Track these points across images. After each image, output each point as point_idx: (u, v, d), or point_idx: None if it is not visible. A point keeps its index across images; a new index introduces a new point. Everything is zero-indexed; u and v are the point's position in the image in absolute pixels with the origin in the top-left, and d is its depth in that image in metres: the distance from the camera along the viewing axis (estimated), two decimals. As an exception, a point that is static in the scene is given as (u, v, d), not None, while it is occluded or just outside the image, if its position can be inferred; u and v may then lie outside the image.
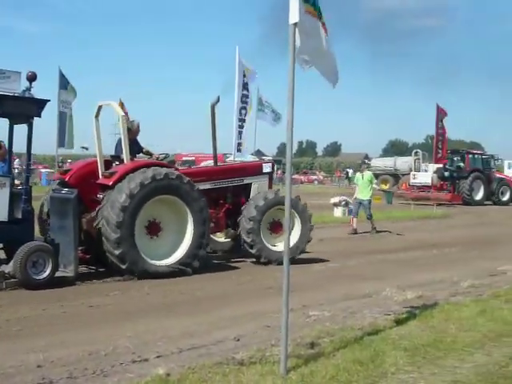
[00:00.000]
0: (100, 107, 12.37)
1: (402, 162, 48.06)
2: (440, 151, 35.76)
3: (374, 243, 18.30)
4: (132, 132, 12.67)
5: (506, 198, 39.61)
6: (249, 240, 13.06)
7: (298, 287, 10.23)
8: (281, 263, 11.98)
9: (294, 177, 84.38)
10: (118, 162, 12.33)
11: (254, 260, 13.22)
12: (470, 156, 39.75)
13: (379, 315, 8.45)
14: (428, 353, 6.73)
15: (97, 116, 12.42)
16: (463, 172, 37.07)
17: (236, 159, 20.34)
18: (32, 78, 10.60)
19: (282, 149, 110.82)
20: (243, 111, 21.05)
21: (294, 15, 5.59)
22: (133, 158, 12.26)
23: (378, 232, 20.61)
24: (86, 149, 41.07)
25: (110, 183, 11.33)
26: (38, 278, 9.87)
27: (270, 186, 14.68)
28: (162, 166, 11.97)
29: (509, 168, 49.69)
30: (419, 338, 7.22)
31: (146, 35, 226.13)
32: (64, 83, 26.15)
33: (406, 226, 22.94)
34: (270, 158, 54.25)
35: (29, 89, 10.63)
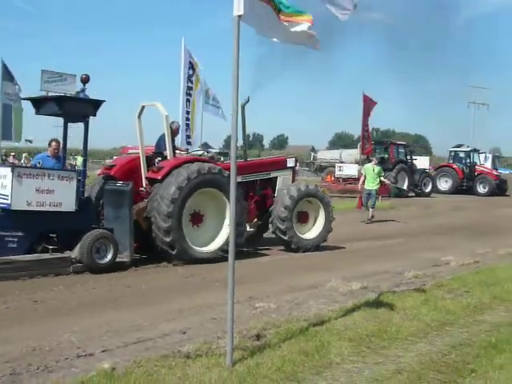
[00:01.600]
0: (143, 107, 13.29)
1: (348, 155, 48.27)
2: (367, 143, 35.14)
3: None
4: (173, 131, 13.50)
5: (428, 189, 41.12)
6: (283, 227, 14.15)
7: (245, 279, 10.29)
8: (307, 250, 13.93)
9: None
10: (160, 158, 13.24)
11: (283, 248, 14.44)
12: (394, 147, 40.31)
13: (324, 306, 8.54)
14: (372, 342, 6.82)
15: (139, 116, 13.31)
16: (388, 164, 37.37)
17: (182, 152, 20.29)
18: (85, 80, 11.60)
19: (228, 141, 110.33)
20: (188, 103, 21.02)
21: (238, 7, 5.58)
22: (174, 155, 13.25)
23: (372, 222, 21.70)
24: (30, 142, 40.46)
25: (159, 177, 12.42)
26: (101, 262, 10.99)
27: (294, 179, 16.07)
28: (203, 161, 13.14)
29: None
30: (364, 328, 7.32)
31: (86, 22, 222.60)
32: (8, 75, 25.61)
33: (349, 218, 22.88)
34: (216, 151, 54.18)
35: (83, 90, 11.63)
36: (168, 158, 13.01)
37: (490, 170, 47.13)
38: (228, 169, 12.19)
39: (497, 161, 71.36)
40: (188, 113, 21.23)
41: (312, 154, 52.52)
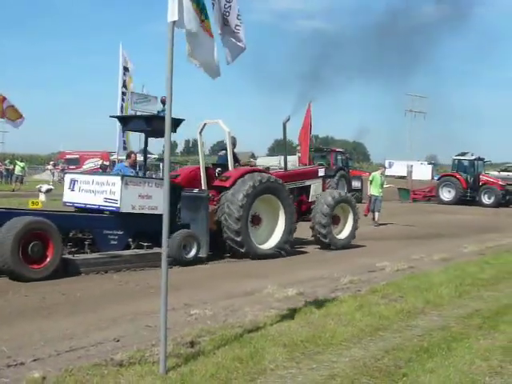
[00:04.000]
0: (205, 124, 15.48)
1: (292, 161, 48.55)
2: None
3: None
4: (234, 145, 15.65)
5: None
6: (324, 232, 16.49)
7: (182, 286, 10.27)
8: (343, 248, 16.67)
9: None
10: (220, 169, 15.48)
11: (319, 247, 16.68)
12: (334, 154, 39.70)
13: (260, 312, 8.52)
14: (307, 348, 6.85)
15: (200, 132, 15.50)
16: (330, 170, 37.55)
17: (120, 157, 20.40)
18: (165, 101, 11.51)
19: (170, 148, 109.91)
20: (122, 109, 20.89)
21: (172, 13, 5.54)
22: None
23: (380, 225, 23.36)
24: None
25: (228, 185, 14.41)
26: (187, 256, 13.02)
27: (324, 187, 18.48)
28: (260, 171, 15.37)
29: (390, 167, 51.02)
30: (298, 333, 7.34)
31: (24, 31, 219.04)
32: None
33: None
34: (156, 157, 53.93)
35: (163, 110, 13.26)
36: (230, 168, 15.08)
37: (496, 180, 44.45)
38: (278, 177, 15.50)
39: (433, 168, 72.95)
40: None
41: (251, 160, 52.48)
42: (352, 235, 17.31)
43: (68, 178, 13.75)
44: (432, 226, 24.93)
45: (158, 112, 13.84)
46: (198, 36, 6.08)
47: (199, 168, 15.26)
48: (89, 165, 58.79)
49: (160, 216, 11.12)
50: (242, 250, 14.14)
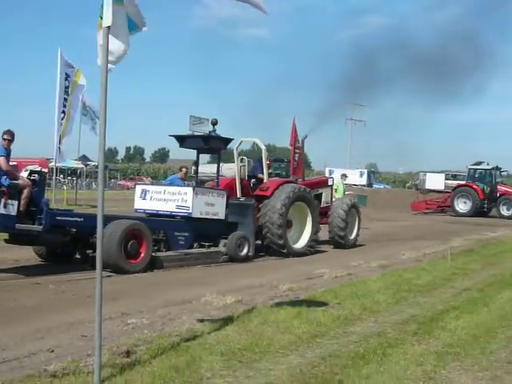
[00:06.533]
0: (241, 142, 18.64)
1: (227, 169, 48.55)
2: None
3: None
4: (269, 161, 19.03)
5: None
6: (342, 234, 19.25)
7: (119, 295, 10.14)
8: (353, 247, 19.74)
9: (120, 182, 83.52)
10: (254, 180, 18.19)
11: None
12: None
13: (197, 321, 8.48)
14: (244, 356, 6.83)
15: (237, 148, 18.28)
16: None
17: (58, 164, 20.30)
18: (215, 122, 15.94)
19: (108, 154, 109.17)
20: (62, 115, 20.56)
21: (108, 18, 5.49)
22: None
23: None
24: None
25: (269, 194, 17.00)
26: (241, 254, 15.52)
27: (332, 195, 21.36)
28: (291, 182, 18.20)
29: (361, 176, 50.76)
30: (236, 342, 7.32)
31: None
32: None
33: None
34: (95, 163, 53.34)
35: (214, 130, 15.93)
36: (264, 180, 17.85)
37: None
38: (306, 185, 18.44)
39: (372, 176, 73.95)
40: (61, 124, 20.76)
41: (193, 167, 52.39)
42: (357, 235, 20.30)
43: (139, 188, 16.03)
44: (372, 233, 25.20)
45: (210, 132, 15.76)
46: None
47: (235, 179, 17.59)
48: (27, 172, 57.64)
49: (218, 221, 15.61)
50: (284, 251, 16.72)
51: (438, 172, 64.84)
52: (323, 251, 18.67)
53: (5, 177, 11.85)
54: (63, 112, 20.74)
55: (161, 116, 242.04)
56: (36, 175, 12.81)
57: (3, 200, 11.63)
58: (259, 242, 17.18)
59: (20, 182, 12.09)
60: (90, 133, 27.49)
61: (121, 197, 46.51)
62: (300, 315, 8.85)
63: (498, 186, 42.79)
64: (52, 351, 6.94)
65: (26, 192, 12.04)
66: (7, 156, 12.31)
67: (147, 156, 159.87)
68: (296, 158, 21.31)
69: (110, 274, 12.29)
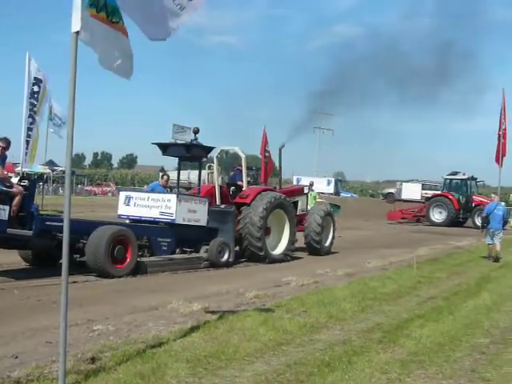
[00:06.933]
0: (221, 150, 19.28)
1: (196, 176, 48.55)
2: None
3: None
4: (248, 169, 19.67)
5: None
6: (318, 239, 19.88)
7: (85, 301, 10.05)
8: (328, 253, 20.41)
9: (87, 188, 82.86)
10: (233, 188, 18.83)
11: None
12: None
13: (164, 328, 8.44)
14: (210, 363, 6.82)
15: (217, 156, 18.83)
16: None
17: (25, 169, 20.19)
18: (196, 131, 16.34)
19: (75, 160, 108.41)
20: (30, 119, 20.35)
21: (76, 24, 5.46)
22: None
23: None
24: None
25: (249, 201, 17.34)
26: (221, 260, 15.91)
27: (307, 202, 22.14)
28: (270, 190, 18.69)
29: (328, 184, 50.70)
30: (202, 349, 7.31)
31: None
32: None
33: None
34: (63, 169, 52.93)
35: (196, 138, 16.36)
36: (244, 188, 18.32)
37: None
38: (283, 193, 18.90)
39: (339, 184, 74.29)
40: (29, 129, 20.53)
41: (160, 174, 52.29)
42: (332, 242, 20.93)
43: (123, 194, 16.30)
44: (339, 242, 25.30)
45: (191, 140, 16.12)
46: (107, 39, 5.99)
47: (213, 187, 18.21)
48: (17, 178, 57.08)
49: (200, 227, 15.92)
50: (261, 254, 17.07)
51: (406, 181, 65.31)
52: (295, 258, 18.68)
53: None
54: (31, 117, 20.50)
55: (129, 122, 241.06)
56: (26, 181, 12.99)
57: None
58: (237, 248, 17.35)
59: (14, 189, 12.14)
60: (56, 137, 27.27)
61: (87, 202, 46.29)
62: (266, 323, 8.87)
63: (474, 196, 42.67)
64: (16, 357, 6.87)
65: (17, 198, 12.17)
66: (2, 163, 12.51)
67: (115, 162, 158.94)
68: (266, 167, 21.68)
69: (76, 280, 12.22)
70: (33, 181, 13.95)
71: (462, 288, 13.76)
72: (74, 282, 11.77)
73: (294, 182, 52.62)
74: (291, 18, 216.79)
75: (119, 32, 6.14)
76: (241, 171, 18.82)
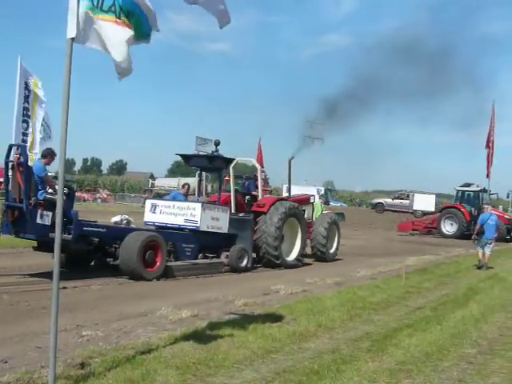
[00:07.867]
0: (237, 161, 19.53)
1: (184, 182, 48.61)
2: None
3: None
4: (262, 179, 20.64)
5: None
6: (323, 249, 21.02)
7: (74, 307, 10.05)
8: (334, 260, 21.59)
9: (77, 194, 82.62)
10: (248, 197, 19.91)
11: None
12: (251, 181, 39.72)
13: (153, 334, 8.45)
14: (199, 370, 6.83)
15: (233, 167, 19.34)
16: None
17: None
18: (217, 143, 17.73)
19: (68, 166, 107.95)
20: (24, 125, 20.21)
21: (71, 30, 5.49)
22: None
23: None
24: None
25: (265, 210, 18.31)
26: (241, 265, 16.90)
27: (313, 211, 22.76)
28: (284, 199, 20.02)
29: (318, 193, 50.89)
30: (191, 355, 7.32)
31: None
32: None
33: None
34: (53, 174, 52.88)
35: (217, 150, 17.66)
36: (259, 197, 19.46)
37: (502, 214, 41.26)
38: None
39: (329, 193, 74.25)
40: (24, 134, 20.40)
41: (150, 180, 52.45)
42: (337, 249, 22.01)
43: (149, 203, 17.64)
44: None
45: (212, 152, 17.24)
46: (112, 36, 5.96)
47: (229, 195, 19.34)
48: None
49: (221, 234, 16.93)
50: (278, 262, 18.22)
51: (397, 191, 65.33)
52: (279, 267, 18.69)
53: (41, 191, 13.16)
54: (25, 122, 20.36)
55: (119, 128, 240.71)
56: (66, 189, 13.15)
57: (40, 211, 12.92)
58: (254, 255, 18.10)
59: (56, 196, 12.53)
60: (45, 143, 27.03)
61: (81, 208, 46.08)
62: (255, 330, 8.88)
63: (494, 212, 41.85)
64: (5, 362, 6.87)
65: None
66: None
67: (104, 168, 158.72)
68: (263, 177, 22.62)
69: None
70: (72, 189, 14.73)
71: (450, 298, 13.81)
72: (64, 288, 11.73)
73: (284, 191, 52.53)
74: (285, 25, 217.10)
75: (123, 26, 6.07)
76: (254, 180, 20.60)
